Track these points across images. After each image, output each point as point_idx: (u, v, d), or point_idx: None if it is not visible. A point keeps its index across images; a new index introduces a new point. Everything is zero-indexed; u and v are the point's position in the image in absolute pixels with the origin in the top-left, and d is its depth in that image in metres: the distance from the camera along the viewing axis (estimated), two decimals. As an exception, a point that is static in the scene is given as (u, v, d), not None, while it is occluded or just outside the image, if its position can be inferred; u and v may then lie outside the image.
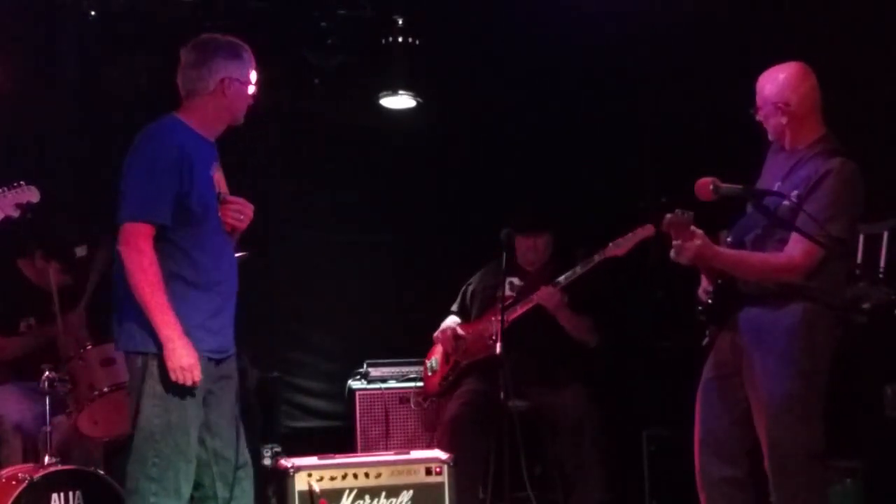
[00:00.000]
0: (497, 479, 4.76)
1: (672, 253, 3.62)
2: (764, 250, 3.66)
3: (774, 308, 3.62)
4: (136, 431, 3.54)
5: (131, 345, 3.56)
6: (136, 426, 3.54)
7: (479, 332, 5.36)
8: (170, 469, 3.52)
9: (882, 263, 4.43)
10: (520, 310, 5.21)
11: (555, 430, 5.13)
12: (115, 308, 3.63)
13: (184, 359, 3.46)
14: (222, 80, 3.65)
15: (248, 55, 3.73)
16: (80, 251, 5.12)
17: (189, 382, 3.48)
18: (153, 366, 3.52)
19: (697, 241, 3.54)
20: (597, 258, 5.04)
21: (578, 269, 5.09)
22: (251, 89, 3.72)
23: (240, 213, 3.68)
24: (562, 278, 5.12)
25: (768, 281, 3.62)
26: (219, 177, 3.70)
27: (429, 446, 5.43)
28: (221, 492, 3.69)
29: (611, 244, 5.01)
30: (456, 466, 4.40)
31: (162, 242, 3.53)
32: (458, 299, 5.70)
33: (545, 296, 5.13)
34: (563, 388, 5.19)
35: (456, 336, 5.45)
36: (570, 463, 5.07)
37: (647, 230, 4.96)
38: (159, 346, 3.49)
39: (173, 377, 3.47)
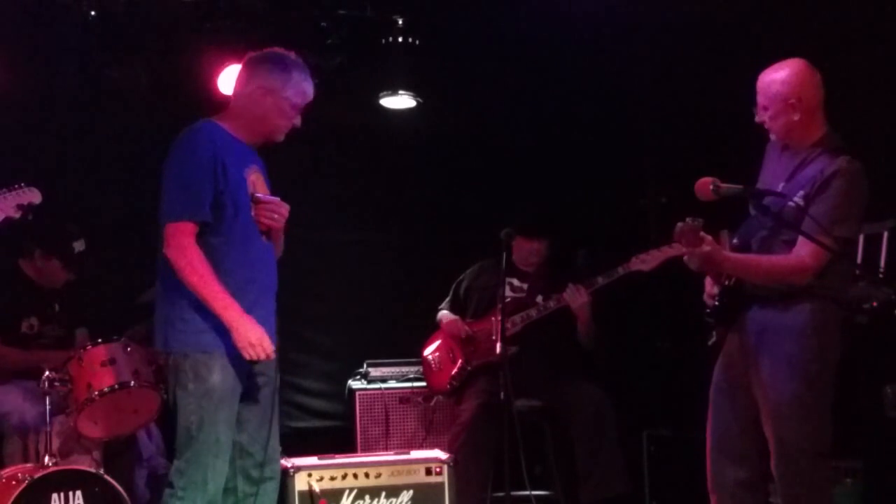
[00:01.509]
0: (497, 479, 4.76)
1: (685, 258, 3.62)
2: (771, 252, 3.65)
3: (781, 308, 3.61)
4: (178, 428, 3.64)
5: (169, 344, 3.64)
6: (178, 423, 3.64)
7: (487, 333, 5.35)
8: (199, 464, 3.60)
9: (882, 263, 4.43)
10: (535, 315, 5.21)
11: (575, 424, 5.12)
12: (156, 307, 3.73)
13: (251, 334, 3.55)
14: (256, 89, 3.73)
15: (300, 75, 3.76)
16: (79, 245, 5.12)
17: (263, 356, 3.57)
18: (189, 364, 3.60)
19: (706, 248, 3.53)
20: (620, 271, 5.02)
21: (601, 280, 5.08)
22: (293, 109, 3.75)
23: (273, 212, 3.73)
24: (583, 287, 5.12)
25: (777, 283, 3.62)
26: (255, 178, 3.76)
27: (429, 446, 5.43)
28: (242, 485, 3.75)
29: (634, 258, 4.96)
30: (468, 467, 4.40)
31: (200, 240, 3.62)
32: (451, 295, 5.70)
33: (576, 295, 5.11)
34: (580, 385, 5.22)
35: (466, 332, 5.44)
36: (590, 455, 5.06)
37: (675, 249, 4.83)
38: (197, 344, 3.59)
39: (246, 356, 3.56)
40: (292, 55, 3.81)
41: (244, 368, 3.67)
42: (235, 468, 3.74)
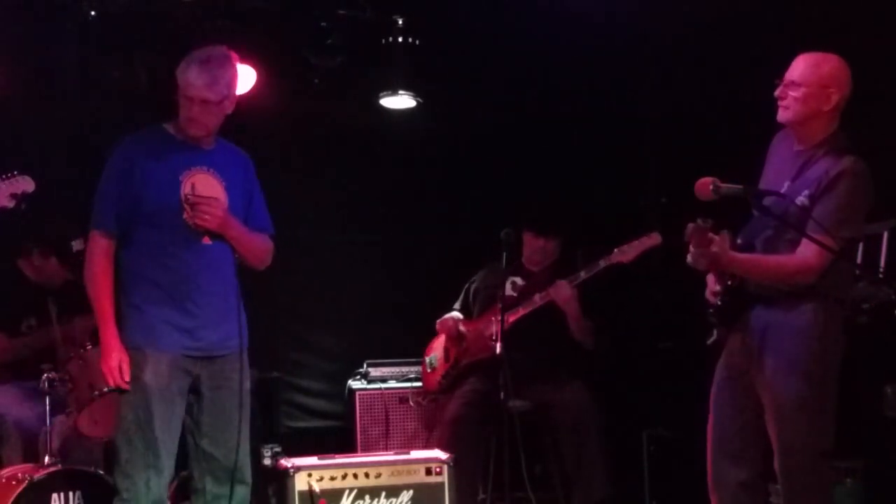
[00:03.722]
0: (497, 479, 4.76)
1: (689, 258, 3.61)
2: (776, 252, 3.64)
3: (785, 308, 3.61)
4: (116, 429, 3.76)
5: None
6: (116, 421, 3.76)
7: (479, 331, 5.35)
8: (139, 465, 3.65)
9: (882, 263, 4.43)
10: (522, 311, 5.20)
11: (557, 428, 5.13)
12: None
13: (110, 360, 3.67)
14: (177, 88, 3.79)
15: (190, 66, 3.75)
16: (77, 244, 5.11)
17: (112, 384, 3.68)
18: None
19: (714, 248, 3.53)
20: (602, 263, 5.02)
21: (583, 275, 5.07)
22: (188, 100, 3.76)
23: (204, 213, 3.73)
24: (566, 281, 5.11)
25: (782, 283, 3.61)
26: (197, 180, 3.78)
27: (427, 446, 5.43)
28: (210, 486, 3.80)
29: (616, 250, 4.98)
30: (457, 465, 4.40)
31: (129, 244, 3.75)
32: (461, 297, 5.70)
33: (560, 290, 5.10)
34: (564, 386, 5.20)
35: (458, 329, 5.44)
36: (574, 460, 5.07)
37: (653, 239, 4.93)
38: (129, 341, 3.71)
39: (105, 376, 3.70)
40: (207, 50, 3.81)
41: (183, 366, 3.72)
42: (202, 469, 3.80)
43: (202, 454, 3.79)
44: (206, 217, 3.73)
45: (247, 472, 3.85)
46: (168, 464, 3.70)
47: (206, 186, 3.79)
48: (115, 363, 3.66)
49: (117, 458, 3.71)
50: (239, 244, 3.86)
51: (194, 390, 3.79)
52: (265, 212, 4.06)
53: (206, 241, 3.78)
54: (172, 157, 3.79)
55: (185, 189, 3.75)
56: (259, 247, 3.98)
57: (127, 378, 3.66)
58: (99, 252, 3.75)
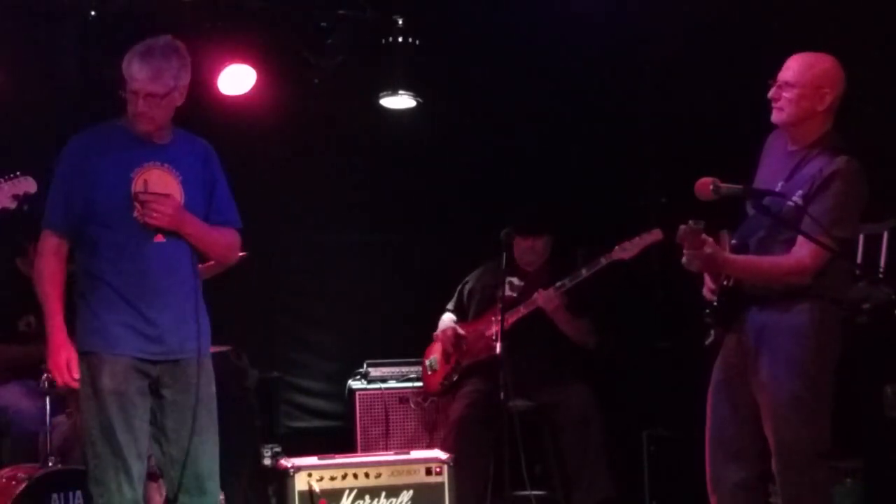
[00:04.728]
0: (497, 479, 4.76)
1: (683, 261, 3.61)
2: (769, 252, 3.64)
3: (781, 308, 3.60)
4: (82, 437, 3.66)
5: (76, 344, 3.67)
6: (82, 427, 3.68)
7: (479, 332, 5.36)
8: (108, 470, 3.56)
9: (882, 263, 4.43)
10: (522, 311, 5.21)
11: (561, 427, 5.13)
12: None
13: (57, 358, 3.60)
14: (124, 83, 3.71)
15: (131, 59, 3.67)
16: None
17: (60, 382, 3.64)
18: (84, 366, 3.62)
19: (708, 250, 3.52)
20: (603, 261, 5.01)
21: (584, 272, 5.07)
22: (132, 94, 3.68)
23: (154, 211, 3.61)
24: (566, 280, 5.11)
25: (777, 283, 3.61)
26: (149, 176, 3.67)
27: (429, 446, 5.43)
28: (183, 498, 3.69)
29: (617, 247, 4.98)
30: (463, 467, 4.40)
31: (83, 244, 3.67)
32: (455, 298, 5.70)
33: (544, 299, 5.12)
34: (568, 385, 5.20)
35: (457, 336, 5.45)
36: (576, 460, 5.07)
37: (654, 235, 4.92)
38: (88, 345, 3.62)
39: (53, 374, 3.65)
40: (149, 42, 3.69)
41: (138, 369, 3.61)
42: (171, 478, 3.68)
43: (171, 462, 3.67)
44: (156, 215, 3.60)
45: (215, 484, 3.74)
46: (138, 467, 3.59)
47: (159, 182, 3.66)
48: (63, 361, 3.57)
49: (87, 466, 3.61)
50: (196, 241, 3.71)
51: (156, 394, 3.66)
52: (230, 204, 3.87)
53: (160, 239, 3.64)
54: (125, 152, 3.68)
55: (138, 186, 3.63)
56: (219, 242, 3.81)
57: (75, 375, 3.58)
58: (48, 251, 3.65)
